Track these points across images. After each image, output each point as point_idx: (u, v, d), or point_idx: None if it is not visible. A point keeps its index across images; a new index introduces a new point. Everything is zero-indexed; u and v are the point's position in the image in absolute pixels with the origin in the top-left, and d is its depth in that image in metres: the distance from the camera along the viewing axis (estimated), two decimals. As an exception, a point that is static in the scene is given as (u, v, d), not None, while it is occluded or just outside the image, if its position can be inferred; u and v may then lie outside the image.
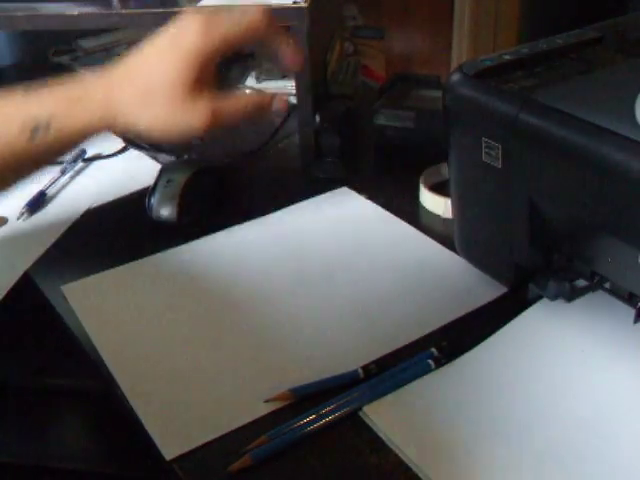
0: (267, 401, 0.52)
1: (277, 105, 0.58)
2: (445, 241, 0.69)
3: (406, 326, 0.60)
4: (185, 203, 0.75)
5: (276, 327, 0.61)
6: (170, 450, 0.50)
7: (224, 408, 0.53)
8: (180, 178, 0.76)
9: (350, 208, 0.78)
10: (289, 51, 0.59)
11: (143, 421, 0.52)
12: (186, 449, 0.50)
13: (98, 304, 0.65)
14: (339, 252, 0.71)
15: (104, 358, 0.58)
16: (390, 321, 0.61)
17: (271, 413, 0.52)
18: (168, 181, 0.77)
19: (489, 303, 0.62)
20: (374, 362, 0.55)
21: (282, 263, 0.69)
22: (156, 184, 0.77)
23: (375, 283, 0.66)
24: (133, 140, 0.93)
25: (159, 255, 0.71)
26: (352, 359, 0.56)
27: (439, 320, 0.60)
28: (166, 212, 0.75)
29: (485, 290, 0.63)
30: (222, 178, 0.82)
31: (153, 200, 0.76)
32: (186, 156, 0.85)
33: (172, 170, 0.79)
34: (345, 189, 0.81)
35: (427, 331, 0.59)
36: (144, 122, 0.54)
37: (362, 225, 0.75)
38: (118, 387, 0.55)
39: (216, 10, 0.58)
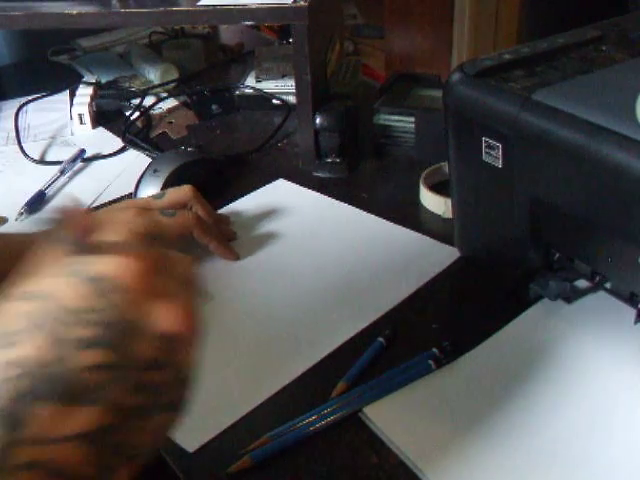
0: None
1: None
2: (445, 241, 0.69)
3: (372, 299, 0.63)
4: None
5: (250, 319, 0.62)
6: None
7: (222, 404, 0.54)
8: (167, 168, 0.77)
9: (289, 197, 0.79)
10: (220, 248, 0.69)
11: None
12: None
13: None
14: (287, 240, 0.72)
15: None
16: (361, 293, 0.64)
17: (271, 412, 0.52)
18: (155, 171, 0.77)
19: (489, 303, 0.62)
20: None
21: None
22: (144, 173, 0.78)
23: (338, 264, 0.68)
24: (132, 140, 0.93)
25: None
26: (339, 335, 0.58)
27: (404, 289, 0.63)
28: None
29: (438, 257, 0.67)
30: (214, 172, 0.82)
31: (138, 188, 0.76)
32: (182, 147, 0.84)
33: (161, 161, 0.79)
34: (281, 180, 0.83)
35: (396, 301, 0.62)
36: None
37: (304, 211, 0.77)
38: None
39: (152, 204, 0.67)
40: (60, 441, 0.25)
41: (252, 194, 0.80)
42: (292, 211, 0.77)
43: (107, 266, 0.28)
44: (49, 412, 0.25)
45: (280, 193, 0.80)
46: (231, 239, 0.72)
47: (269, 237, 0.72)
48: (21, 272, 0.30)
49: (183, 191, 0.69)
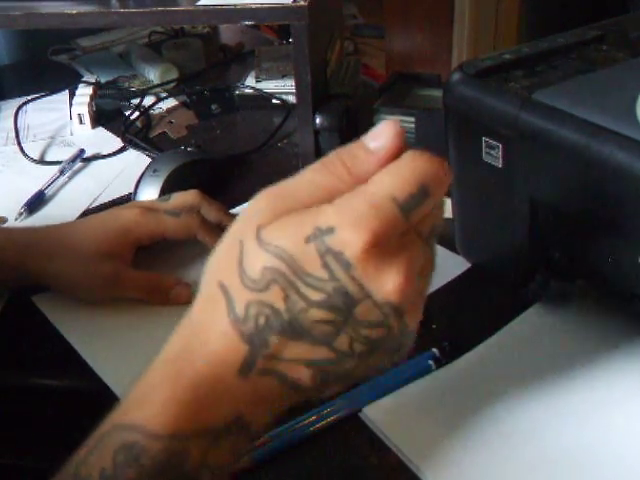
0: None
1: (178, 290, 0.64)
2: (445, 241, 0.69)
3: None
4: (167, 192, 0.73)
5: None
6: None
7: None
8: (167, 168, 0.76)
9: None
10: None
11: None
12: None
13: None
14: None
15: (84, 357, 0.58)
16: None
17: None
18: (154, 171, 0.77)
19: (489, 303, 0.62)
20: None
21: None
22: (143, 173, 0.77)
23: None
24: (132, 140, 0.93)
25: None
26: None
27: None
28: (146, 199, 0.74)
29: (447, 266, 0.65)
30: (214, 172, 0.82)
31: (137, 188, 0.76)
32: (182, 147, 0.84)
33: (161, 161, 0.79)
34: None
35: None
36: (56, 270, 0.62)
37: None
38: (106, 386, 0.55)
39: (156, 205, 0.67)
40: (295, 362, 0.34)
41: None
42: None
43: (342, 240, 0.32)
44: (281, 341, 0.33)
45: None
46: None
47: None
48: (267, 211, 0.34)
49: (190, 195, 0.68)
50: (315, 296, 0.33)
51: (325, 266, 0.32)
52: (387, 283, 0.33)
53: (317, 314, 0.33)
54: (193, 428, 0.33)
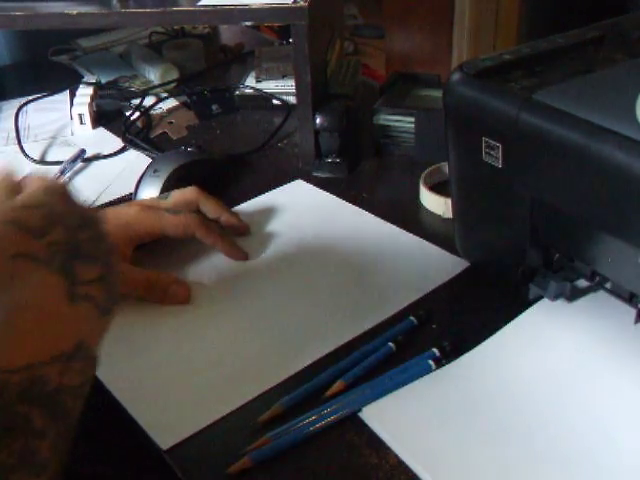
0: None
1: (176, 288, 0.64)
2: (445, 241, 0.69)
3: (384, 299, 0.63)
4: (168, 192, 0.73)
5: (258, 314, 0.62)
6: (165, 440, 0.50)
7: (214, 396, 0.54)
8: (167, 168, 0.77)
9: (305, 198, 0.79)
10: (226, 248, 0.69)
11: (133, 414, 0.53)
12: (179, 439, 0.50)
13: None
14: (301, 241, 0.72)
15: None
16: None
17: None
18: (155, 171, 0.77)
19: (489, 303, 0.62)
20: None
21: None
22: (144, 174, 0.77)
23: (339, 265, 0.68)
24: (132, 140, 0.93)
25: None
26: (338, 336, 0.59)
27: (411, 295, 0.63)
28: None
29: (446, 267, 0.66)
30: (214, 172, 0.82)
31: (138, 189, 0.76)
32: (182, 147, 0.85)
33: (161, 161, 0.79)
34: (299, 181, 0.82)
35: (405, 304, 0.62)
36: None
37: (319, 213, 0.76)
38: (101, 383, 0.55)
39: (156, 203, 0.69)
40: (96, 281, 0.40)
41: (268, 194, 0.79)
42: (306, 213, 0.76)
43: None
44: (86, 266, 0.40)
45: (296, 194, 0.80)
46: (244, 234, 0.72)
47: (277, 237, 0.72)
48: None
49: (189, 192, 0.69)
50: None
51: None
52: None
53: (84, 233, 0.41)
54: (49, 354, 0.36)
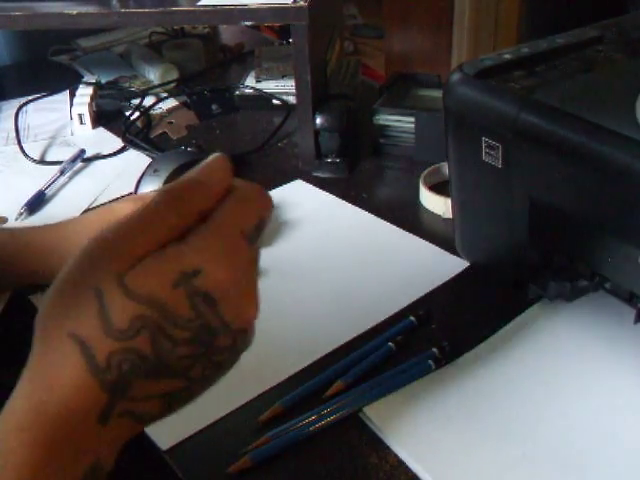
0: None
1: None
2: (445, 241, 0.69)
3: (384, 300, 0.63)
4: None
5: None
6: (165, 440, 0.50)
7: (214, 396, 0.53)
8: (167, 168, 0.77)
9: (304, 198, 0.79)
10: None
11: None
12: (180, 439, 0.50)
13: None
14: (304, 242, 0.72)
15: None
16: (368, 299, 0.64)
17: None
18: (155, 171, 0.77)
19: (489, 303, 0.62)
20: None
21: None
22: (144, 173, 0.78)
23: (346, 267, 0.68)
24: (132, 140, 0.93)
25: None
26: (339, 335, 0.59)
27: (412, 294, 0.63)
28: None
29: (445, 267, 0.66)
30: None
31: (138, 188, 0.76)
32: (182, 147, 0.85)
33: (161, 161, 0.79)
34: (299, 181, 0.82)
35: (405, 304, 0.62)
36: (56, 263, 0.59)
37: (319, 213, 0.77)
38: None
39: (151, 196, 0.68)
40: (149, 399, 0.34)
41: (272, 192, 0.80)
42: (306, 213, 0.76)
43: (205, 281, 0.33)
44: (142, 383, 0.33)
45: (296, 194, 0.80)
46: None
47: (276, 237, 0.72)
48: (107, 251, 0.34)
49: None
50: (182, 335, 0.33)
51: (193, 307, 0.33)
52: (244, 313, 0.36)
53: (182, 351, 0.33)
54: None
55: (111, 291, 0.33)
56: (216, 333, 0.34)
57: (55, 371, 0.33)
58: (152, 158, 0.86)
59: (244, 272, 0.35)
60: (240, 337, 0.36)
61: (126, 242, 0.34)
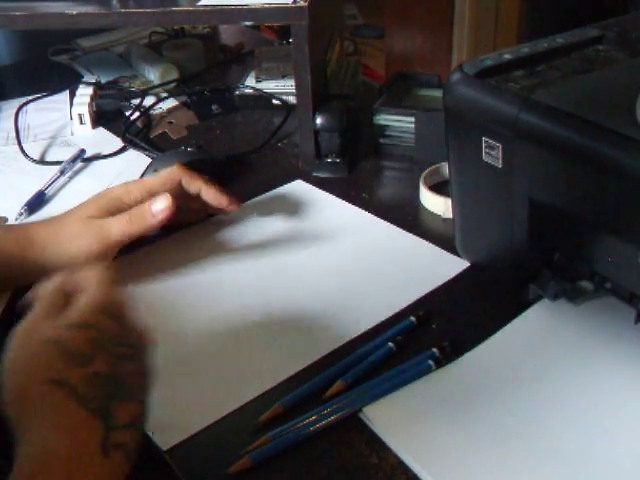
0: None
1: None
2: (445, 241, 0.69)
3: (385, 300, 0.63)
4: None
5: (258, 315, 0.62)
6: (165, 440, 0.50)
7: (214, 396, 0.54)
8: (167, 168, 0.76)
9: (305, 198, 0.79)
10: (210, 193, 0.70)
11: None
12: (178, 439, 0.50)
13: None
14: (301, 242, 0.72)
15: None
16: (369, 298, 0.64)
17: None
18: (155, 171, 0.77)
19: (489, 303, 0.62)
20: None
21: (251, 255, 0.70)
22: (144, 173, 0.78)
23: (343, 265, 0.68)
24: (132, 140, 0.93)
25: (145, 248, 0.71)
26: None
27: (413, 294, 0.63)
28: None
29: (446, 267, 0.66)
30: (214, 172, 0.82)
31: None
32: (182, 147, 0.85)
33: (161, 161, 0.79)
34: (299, 181, 0.82)
35: (405, 304, 0.62)
36: (55, 252, 0.64)
37: (319, 213, 0.76)
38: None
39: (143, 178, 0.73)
40: (128, 428, 0.38)
41: (268, 194, 0.80)
42: (306, 213, 0.76)
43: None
44: (119, 406, 0.38)
45: (296, 194, 0.80)
46: (227, 211, 0.72)
47: (276, 237, 0.72)
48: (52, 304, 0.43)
49: (172, 169, 0.70)
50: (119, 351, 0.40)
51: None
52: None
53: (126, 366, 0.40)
54: None
55: (55, 330, 0.40)
56: (144, 347, 0.43)
57: (50, 420, 0.36)
58: (152, 158, 0.86)
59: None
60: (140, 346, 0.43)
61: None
